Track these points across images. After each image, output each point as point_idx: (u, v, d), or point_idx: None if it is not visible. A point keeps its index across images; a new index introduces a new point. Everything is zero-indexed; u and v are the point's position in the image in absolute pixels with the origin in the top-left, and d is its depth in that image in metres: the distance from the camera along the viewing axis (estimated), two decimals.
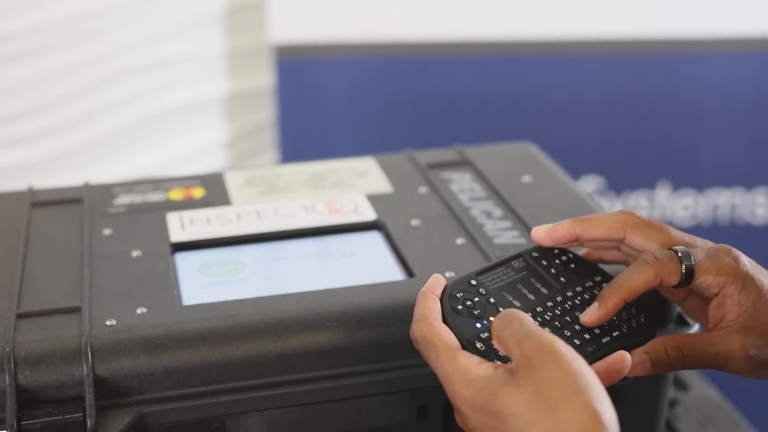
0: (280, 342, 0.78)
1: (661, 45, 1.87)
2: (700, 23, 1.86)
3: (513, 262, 0.79)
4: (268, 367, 0.77)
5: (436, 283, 0.75)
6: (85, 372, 0.74)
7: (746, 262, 0.76)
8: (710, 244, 0.78)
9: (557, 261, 0.80)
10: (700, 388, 1.21)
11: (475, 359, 0.68)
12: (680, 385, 1.19)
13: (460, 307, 0.73)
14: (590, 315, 0.74)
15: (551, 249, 0.81)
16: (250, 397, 0.77)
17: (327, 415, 0.79)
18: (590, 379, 0.64)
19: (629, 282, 0.74)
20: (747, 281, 0.74)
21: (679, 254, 0.75)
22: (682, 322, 0.84)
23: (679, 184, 1.94)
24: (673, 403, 1.13)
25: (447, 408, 0.82)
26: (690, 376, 1.22)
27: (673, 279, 0.74)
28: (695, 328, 0.84)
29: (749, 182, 1.95)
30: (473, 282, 0.75)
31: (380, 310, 0.80)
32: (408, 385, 0.79)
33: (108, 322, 0.78)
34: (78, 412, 0.73)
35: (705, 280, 0.75)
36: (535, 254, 0.80)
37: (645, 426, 0.90)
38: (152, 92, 1.78)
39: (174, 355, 0.76)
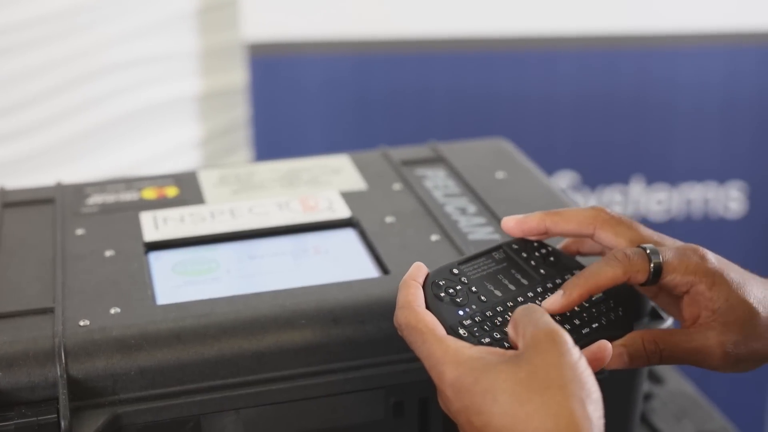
0: (255, 340, 0.78)
1: (634, 41, 1.87)
2: (672, 19, 1.87)
3: (493, 254, 0.80)
4: (243, 365, 0.77)
5: (418, 271, 0.75)
6: (59, 373, 0.74)
7: (714, 259, 0.76)
8: (679, 243, 0.78)
9: (536, 254, 0.81)
10: (674, 382, 1.22)
11: (464, 343, 0.69)
12: (655, 378, 1.20)
13: (442, 294, 0.74)
14: (553, 302, 0.74)
15: (531, 242, 0.81)
16: (225, 396, 0.77)
17: (303, 413, 0.79)
18: (587, 375, 0.65)
19: (596, 276, 0.75)
20: (716, 279, 0.75)
21: (648, 252, 0.75)
22: (656, 316, 0.85)
23: (652, 178, 1.95)
24: (648, 397, 1.14)
25: (423, 404, 0.82)
26: (665, 369, 1.23)
27: (641, 277, 0.75)
28: (669, 321, 0.85)
29: (722, 176, 1.96)
30: (455, 271, 0.76)
31: (355, 307, 0.80)
32: (384, 382, 0.79)
33: (81, 323, 0.78)
34: (52, 413, 0.72)
35: (673, 278, 0.75)
36: (515, 246, 0.81)
37: (620, 420, 0.90)
38: (125, 91, 1.77)
39: (148, 355, 0.76)
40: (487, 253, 0.79)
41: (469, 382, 0.66)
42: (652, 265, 0.75)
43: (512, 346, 0.69)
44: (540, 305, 0.74)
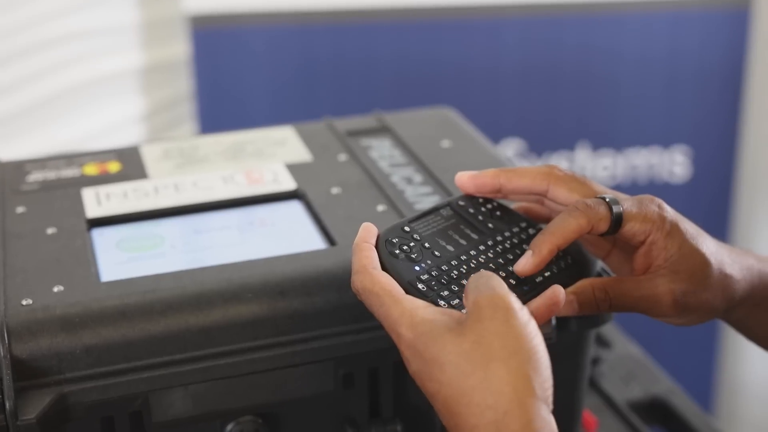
0: (202, 315, 0.77)
1: (578, 8, 1.88)
2: None
3: (441, 211, 0.80)
4: (190, 341, 0.76)
5: (369, 232, 0.75)
6: (2, 353, 0.72)
7: (670, 209, 0.77)
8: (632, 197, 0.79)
9: (483, 209, 0.81)
10: (622, 346, 1.23)
11: (420, 303, 0.69)
12: (603, 342, 1.21)
13: (397, 251, 0.74)
14: (525, 263, 0.74)
15: (476, 198, 0.82)
16: (173, 372, 0.76)
17: (252, 387, 0.79)
18: (535, 342, 0.64)
19: (562, 229, 0.75)
20: (672, 227, 0.76)
21: (608, 201, 0.76)
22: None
23: (598, 144, 1.96)
24: (596, 361, 1.15)
25: (372, 375, 0.82)
26: (612, 333, 1.24)
27: (603, 225, 0.75)
28: None
29: (666, 141, 1.98)
30: (406, 229, 0.77)
31: (302, 279, 0.80)
32: (332, 354, 0.79)
33: (24, 302, 0.77)
34: None
35: (632, 227, 0.76)
36: (461, 203, 0.81)
37: (569, 384, 0.91)
38: (65, 65, 1.74)
39: (93, 333, 0.75)
40: (435, 210, 0.80)
41: (420, 347, 0.66)
42: (613, 213, 0.75)
43: None
44: (512, 269, 0.75)
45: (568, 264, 0.78)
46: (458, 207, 0.81)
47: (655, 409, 1.14)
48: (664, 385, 1.17)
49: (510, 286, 0.73)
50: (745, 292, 0.78)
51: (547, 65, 1.88)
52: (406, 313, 0.68)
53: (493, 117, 1.88)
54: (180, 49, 1.82)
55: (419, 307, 0.68)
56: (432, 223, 0.78)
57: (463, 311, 0.69)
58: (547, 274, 0.76)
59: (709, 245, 0.77)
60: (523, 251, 0.77)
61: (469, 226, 0.79)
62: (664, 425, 1.14)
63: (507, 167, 0.82)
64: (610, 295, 0.76)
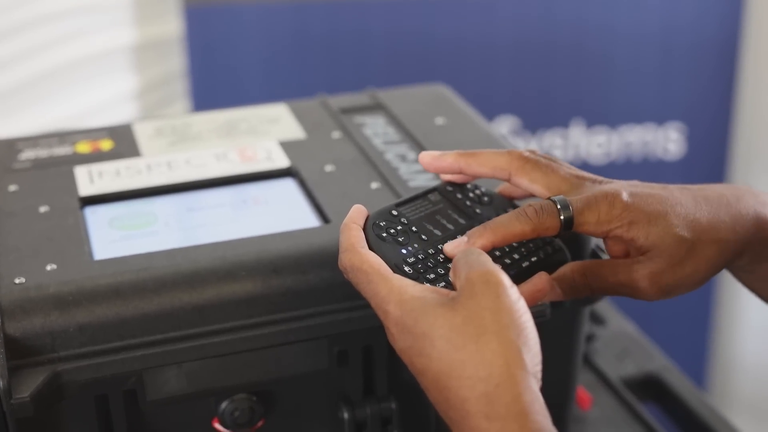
0: (196, 293, 0.77)
1: None
2: None
3: (429, 195, 0.80)
4: (184, 319, 0.76)
5: (358, 213, 0.75)
6: None
7: (627, 199, 0.74)
8: (598, 184, 0.77)
9: (471, 194, 0.81)
10: (616, 322, 1.23)
11: (409, 281, 0.69)
12: (597, 319, 1.21)
13: (384, 234, 0.74)
14: (454, 246, 0.73)
15: (464, 184, 0.82)
16: (167, 350, 0.76)
17: (246, 365, 0.79)
18: (525, 318, 0.65)
19: (504, 228, 0.73)
20: (632, 218, 0.74)
21: (558, 206, 0.74)
22: (596, 256, 0.85)
23: (592, 121, 1.96)
24: (590, 338, 1.15)
25: (366, 352, 0.82)
26: (606, 310, 1.24)
27: (551, 232, 0.74)
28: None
29: (660, 118, 1.97)
30: (394, 212, 0.77)
31: (296, 257, 0.80)
32: (327, 331, 0.79)
33: (17, 280, 0.76)
34: None
35: (586, 229, 0.75)
36: (449, 188, 0.82)
37: (563, 361, 0.91)
38: (56, 43, 1.73)
39: (87, 311, 0.75)
40: (423, 195, 0.80)
41: (409, 323, 0.66)
42: (562, 218, 0.74)
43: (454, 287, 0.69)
44: (498, 254, 0.74)
45: (556, 249, 0.78)
46: (446, 192, 0.81)
47: (649, 386, 1.14)
48: (658, 361, 1.17)
49: None
50: (739, 247, 0.76)
51: (541, 41, 1.88)
52: (394, 290, 0.68)
53: (487, 94, 1.87)
54: (173, 26, 1.81)
55: (408, 285, 0.68)
56: (420, 207, 0.79)
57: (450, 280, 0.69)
58: (534, 259, 0.76)
59: (679, 213, 0.74)
60: None
61: (456, 211, 0.79)
62: (658, 401, 1.14)
63: (472, 150, 0.80)
64: (588, 280, 0.76)
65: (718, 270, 0.76)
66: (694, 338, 2.12)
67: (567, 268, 0.76)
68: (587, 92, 1.93)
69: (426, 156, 0.81)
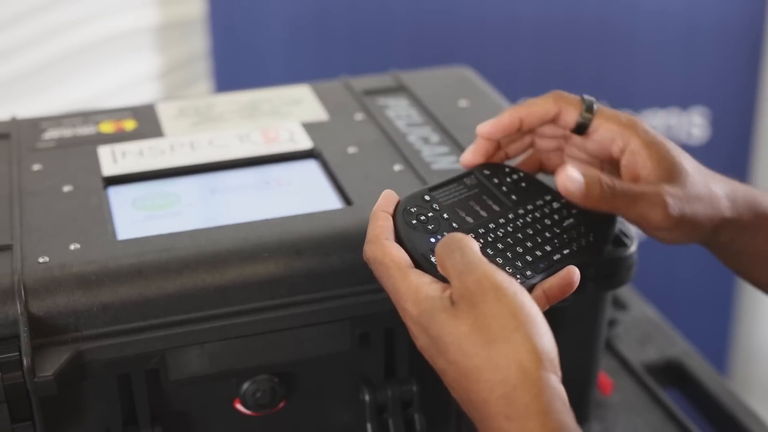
0: (218, 274, 0.77)
1: None
2: None
3: (465, 179, 0.79)
4: (206, 299, 0.77)
5: (388, 200, 0.74)
6: (19, 310, 0.73)
7: (647, 125, 0.79)
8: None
9: (508, 179, 0.80)
10: (638, 307, 1.23)
11: (426, 278, 0.68)
12: (619, 304, 1.21)
13: (414, 221, 0.73)
14: (484, 124, 0.79)
15: (502, 167, 0.81)
16: (189, 331, 0.76)
17: (268, 346, 0.79)
18: (532, 312, 0.64)
19: (530, 104, 0.79)
20: (650, 137, 0.77)
21: (584, 97, 0.79)
22: (620, 244, 0.85)
23: (615, 104, 1.92)
24: (612, 323, 1.15)
25: (388, 335, 0.82)
26: (629, 296, 1.24)
27: (572, 113, 0.78)
28: (633, 248, 0.85)
29: (685, 102, 1.96)
30: (427, 197, 0.75)
31: (319, 239, 0.80)
32: (349, 314, 0.79)
33: (41, 260, 0.77)
34: (14, 351, 0.72)
35: (608, 128, 0.78)
36: (486, 172, 0.80)
37: (585, 346, 0.91)
38: (81, 23, 1.74)
39: (110, 291, 0.75)
40: (458, 179, 0.79)
41: (424, 324, 0.66)
42: (585, 103, 0.78)
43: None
44: (530, 245, 0.74)
45: (589, 242, 0.77)
46: (483, 176, 0.80)
47: (671, 371, 1.14)
48: (679, 347, 1.17)
49: (526, 262, 0.72)
50: (730, 212, 0.77)
51: (564, 25, 1.86)
52: (411, 287, 0.67)
53: (510, 77, 1.86)
54: (196, 6, 1.81)
55: (424, 283, 0.67)
56: (454, 191, 0.77)
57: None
58: (566, 252, 0.75)
59: (692, 161, 0.78)
60: (543, 226, 0.76)
61: (491, 197, 0.78)
62: (680, 387, 1.14)
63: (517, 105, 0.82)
64: (616, 188, 0.75)
65: (711, 225, 0.77)
66: (715, 324, 2.11)
67: (596, 172, 0.75)
68: (611, 75, 1.92)
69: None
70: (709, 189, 0.77)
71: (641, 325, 1.20)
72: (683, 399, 1.14)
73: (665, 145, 0.77)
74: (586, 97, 0.79)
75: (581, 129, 0.79)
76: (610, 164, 0.81)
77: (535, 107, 0.80)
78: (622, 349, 1.14)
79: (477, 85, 1.09)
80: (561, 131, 0.81)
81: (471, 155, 0.81)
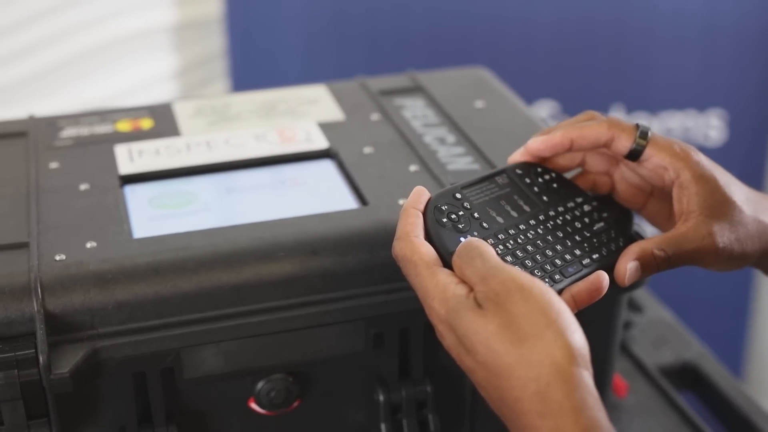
0: (234, 273, 0.77)
1: None
2: None
3: (497, 178, 0.79)
4: (222, 298, 0.77)
5: (419, 197, 0.73)
6: (36, 308, 0.73)
7: (701, 155, 0.77)
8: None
9: (540, 179, 0.80)
10: (654, 310, 1.23)
11: (454, 278, 0.68)
12: (634, 307, 1.21)
13: (444, 219, 0.72)
14: (533, 140, 0.79)
15: (535, 166, 0.81)
16: (204, 330, 0.76)
17: (283, 346, 0.79)
18: (560, 309, 0.64)
19: (583, 127, 0.78)
20: (703, 170, 0.76)
21: (639, 125, 0.77)
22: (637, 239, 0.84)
23: (632, 107, 1.94)
24: (627, 325, 1.15)
25: (403, 335, 0.82)
26: (644, 298, 1.23)
27: (625, 140, 0.77)
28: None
29: (702, 104, 1.95)
30: (458, 195, 0.75)
31: (334, 238, 0.80)
32: (364, 314, 0.79)
33: (57, 257, 0.77)
34: (30, 348, 0.72)
35: (662, 158, 0.76)
36: (519, 171, 0.80)
37: (601, 348, 0.91)
38: (99, 22, 1.74)
39: (126, 289, 0.75)
40: (490, 176, 0.78)
41: (452, 323, 0.66)
42: (639, 131, 0.77)
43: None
44: (559, 248, 0.74)
45: (619, 247, 0.76)
46: (515, 175, 0.79)
47: (686, 374, 1.14)
48: (694, 349, 1.16)
49: (555, 266, 0.72)
50: None
51: (581, 26, 1.86)
52: (439, 286, 0.67)
53: (527, 78, 1.86)
54: (213, 6, 1.81)
55: (451, 282, 0.67)
56: (486, 190, 0.77)
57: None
58: (595, 256, 0.75)
59: (742, 191, 0.77)
60: (574, 229, 0.76)
61: (522, 197, 0.78)
62: (695, 390, 1.14)
63: (572, 123, 0.81)
64: (668, 253, 0.75)
65: (759, 254, 0.77)
66: (731, 327, 2.10)
67: (644, 246, 0.75)
68: (627, 77, 1.91)
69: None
70: (758, 221, 0.76)
71: (656, 328, 1.20)
72: (698, 402, 1.14)
73: (716, 180, 0.76)
74: (641, 124, 0.78)
75: (634, 156, 0.78)
76: (662, 191, 0.80)
77: (588, 131, 0.79)
78: (638, 351, 1.13)
79: (493, 86, 1.09)
80: (612, 155, 0.81)
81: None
